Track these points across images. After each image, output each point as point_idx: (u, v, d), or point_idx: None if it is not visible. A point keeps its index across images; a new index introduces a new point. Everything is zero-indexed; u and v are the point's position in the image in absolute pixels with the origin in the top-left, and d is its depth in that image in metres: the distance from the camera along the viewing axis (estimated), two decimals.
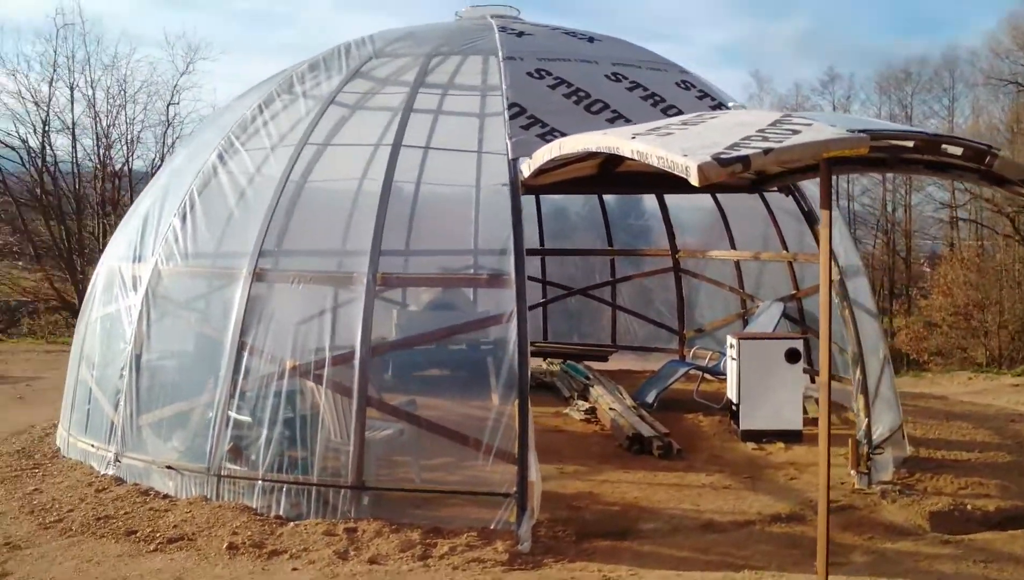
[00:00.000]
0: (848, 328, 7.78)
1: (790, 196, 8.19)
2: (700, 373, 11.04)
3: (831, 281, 7.75)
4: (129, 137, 26.01)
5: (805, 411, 10.06)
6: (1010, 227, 35.74)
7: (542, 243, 13.93)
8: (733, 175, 4.72)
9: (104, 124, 25.21)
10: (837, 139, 4.89)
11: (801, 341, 9.36)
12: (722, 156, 4.69)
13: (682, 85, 8.36)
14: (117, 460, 7.26)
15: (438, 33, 8.68)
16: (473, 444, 6.43)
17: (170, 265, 7.34)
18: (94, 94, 25.33)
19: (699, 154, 4.74)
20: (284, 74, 8.38)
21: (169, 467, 6.90)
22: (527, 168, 6.71)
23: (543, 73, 7.75)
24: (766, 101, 46.32)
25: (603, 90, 7.75)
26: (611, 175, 8.03)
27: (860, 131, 5.02)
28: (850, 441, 7.83)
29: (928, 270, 36.83)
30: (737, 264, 12.08)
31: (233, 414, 6.67)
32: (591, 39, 8.89)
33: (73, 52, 24.73)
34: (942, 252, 38.96)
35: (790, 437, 9.19)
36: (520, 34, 8.53)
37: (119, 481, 7.17)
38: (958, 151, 5.38)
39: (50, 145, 23.95)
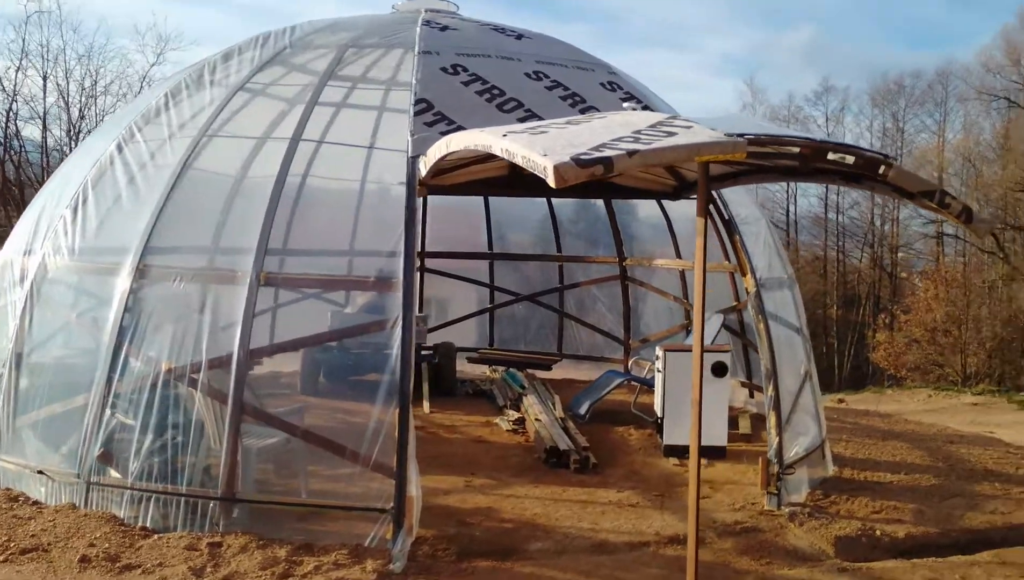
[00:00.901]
0: (761, 342, 7.49)
1: (710, 205, 7.85)
2: (637, 384, 10.77)
3: (749, 293, 7.53)
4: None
5: (736, 427, 9.80)
6: (994, 244, 35.57)
7: (490, 247, 13.62)
8: (593, 177, 4.43)
9: (75, 114, 24.89)
10: (710, 143, 4.60)
11: (728, 354, 9.05)
12: (582, 157, 4.40)
13: (608, 86, 8.06)
14: None
15: (361, 24, 8.38)
16: (350, 456, 6.12)
17: (56, 259, 7.03)
18: (68, 84, 25.03)
19: (560, 154, 4.44)
20: (197, 64, 8.07)
21: (40, 472, 6.58)
22: (424, 167, 6.41)
23: (458, 69, 7.45)
24: (759, 111, 46.24)
25: (520, 88, 7.45)
26: (522, 177, 7.71)
27: (738, 135, 4.72)
28: (760, 460, 7.55)
29: (919, 285, 36.73)
30: (682, 273, 11.78)
31: (105, 418, 6.33)
32: (519, 36, 8.60)
33: (48, 40, 24.39)
34: (925, 268, 38.79)
35: (713, 454, 8.89)
36: (444, 28, 8.23)
37: None
38: (848, 160, 5.09)
39: (17, 133, 23.60)
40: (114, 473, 6.31)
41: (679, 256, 11.70)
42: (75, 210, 7.11)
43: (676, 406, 9.12)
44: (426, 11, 8.99)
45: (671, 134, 4.80)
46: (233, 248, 6.42)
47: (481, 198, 13.07)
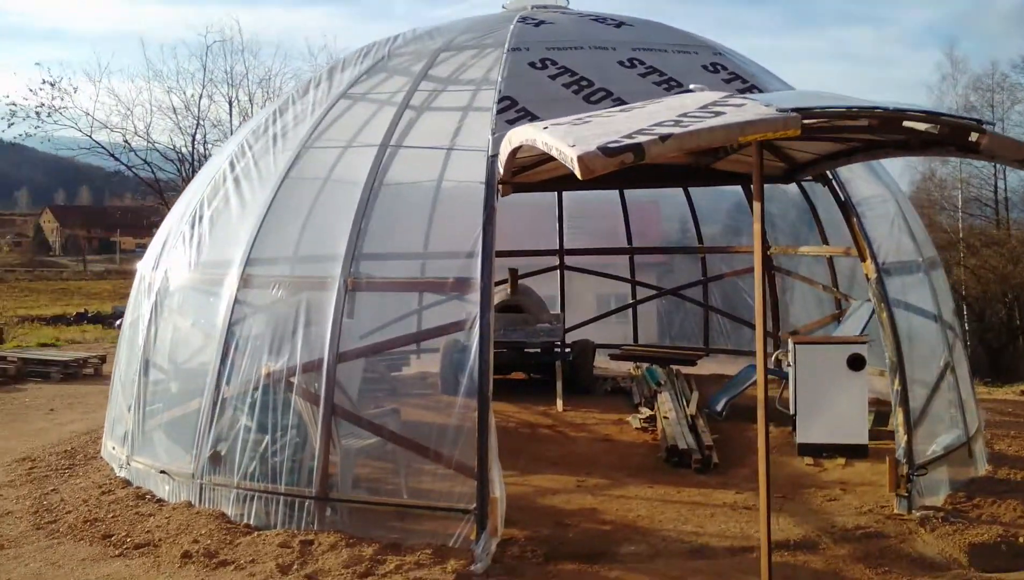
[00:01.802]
0: (885, 332, 6.88)
1: (826, 186, 7.31)
2: (780, 379, 10.21)
3: (870, 278, 6.95)
4: None
5: (887, 423, 9.08)
6: None
7: (629, 242, 13.34)
8: (624, 165, 4.21)
9: None
10: (754, 121, 4.26)
11: (866, 346, 8.39)
12: (610, 145, 4.19)
13: (710, 68, 7.68)
14: (128, 463, 7.49)
15: (459, 27, 8.43)
16: (433, 457, 6.14)
17: (176, 272, 7.51)
18: (251, 107, 26.75)
19: (588, 144, 4.25)
20: (305, 79, 8.40)
21: (163, 472, 7.03)
22: (500, 165, 6.34)
23: (547, 63, 7.34)
24: (961, 81, 42.78)
25: (610, 77, 7.23)
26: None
27: (793, 110, 4.35)
28: (887, 460, 6.95)
29: None
30: (830, 261, 11.06)
31: (215, 421, 6.68)
32: (620, 24, 8.36)
33: (231, 68, 26.17)
34: None
35: (853, 452, 8.29)
36: (539, 23, 8.14)
37: (127, 484, 7.39)
38: (930, 128, 4.56)
39: (206, 156, 25.43)
40: (221, 474, 6.63)
41: (825, 242, 10.99)
42: (192, 225, 7.57)
43: (809, 402, 8.58)
44: (532, 7, 8.94)
45: (719, 114, 4.49)
46: (324, 255, 6.60)
47: (617, 192, 12.83)
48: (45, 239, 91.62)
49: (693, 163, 7.33)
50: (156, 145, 24.46)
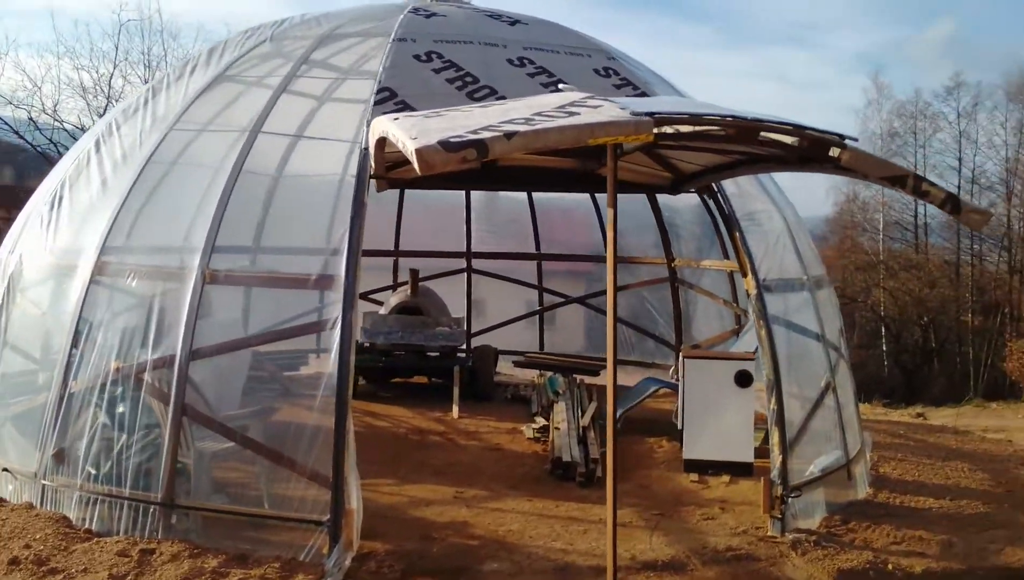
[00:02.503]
0: (763, 350, 6.79)
1: (711, 198, 7.21)
2: (676, 392, 10.12)
3: (750, 295, 6.84)
4: None
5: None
6: None
7: (538, 247, 13.18)
8: (466, 161, 3.98)
9: None
10: (605, 123, 4.08)
11: (753, 362, 8.30)
12: (452, 140, 3.96)
13: (602, 72, 7.52)
14: None
15: (350, 14, 8.15)
16: (287, 463, 5.83)
17: (30, 256, 7.07)
18: None
19: (429, 138, 4.01)
20: (183, 60, 8.02)
21: (5, 470, 6.59)
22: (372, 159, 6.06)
23: (432, 56, 7.09)
24: (885, 107, 43.79)
25: (497, 74, 7.02)
26: (496, 170, 7.29)
27: (646, 114, 4.17)
28: (762, 480, 6.85)
29: None
30: (731, 275, 11.01)
31: (60, 417, 6.28)
32: (515, 22, 8.16)
33: (149, 48, 25.38)
34: None
35: (738, 470, 8.13)
36: (430, 15, 7.90)
37: None
38: (789, 140, 4.43)
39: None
40: (64, 474, 6.22)
41: (726, 256, 10.94)
42: (51, 207, 7.14)
43: (696, 417, 8.47)
44: (432, 0, 8.69)
45: (573, 114, 4.29)
46: (182, 245, 6.24)
47: (525, 195, 12.66)
48: None
49: (579, 168, 7.15)
50: (64, 124, 23.52)
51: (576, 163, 6.98)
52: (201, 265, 6.07)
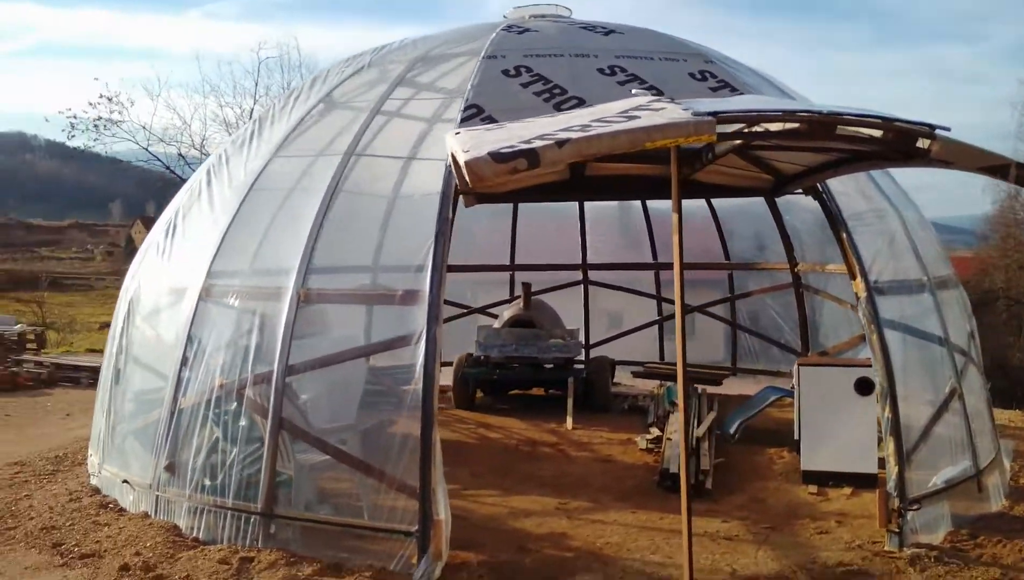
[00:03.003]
0: (875, 356, 6.40)
1: (816, 199, 6.87)
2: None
3: (859, 298, 6.49)
4: None
5: None
6: None
7: (654, 256, 12.94)
8: (517, 171, 3.94)
9: None
10: (662, 125, 3.95)
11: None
12: (502, 151, 3.94)
13: (698, 76, 7.31)
14: (100, 471, 7.48)
15: (444, 36, 8.26)
16: (377, 475, 5.91)
17: (147, 282, 7.49)
18: None
19: (479, 150, 4.00)
20: (290, 90, 8.34)
21: (125, 481, 6.99)
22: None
23: (521, 70, 7.09)
24: None
25: (586, 84, 6.95)
26: (583, 179, 7.18)
27: (708, 114, 4.02)
28: (878, 492, 6.46)
29: None
30: None
31: (171, 431, 6.61)
32: (609, 32, 8.06)
33: (288, 83, 26.58)
34: None
35: (860, 481, 7.78)
36: (523, 31, 7.91)
37: (95, 492, 7.38)
38: (873, 133, 4.16)
39: None
40: (175, 485, 6.54)
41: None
42: (166, 234, 7.56)
43: (814, 427, 8.12)
44: (530, 17, 8.72)
45: (633, 118, 4.18)
46: (280, 266, 6.47)
47: (639, 203, 12.47)
48: (135, 248, 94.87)
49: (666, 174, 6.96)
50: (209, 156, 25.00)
51: (666, 169, 6.79)
52: (296, 285, 6.27)
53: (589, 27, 8.18)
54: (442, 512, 5.77)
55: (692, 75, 7.31)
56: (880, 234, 7.04)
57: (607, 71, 7.20)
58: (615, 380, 12.68)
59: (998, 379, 31.94)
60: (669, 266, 12.90)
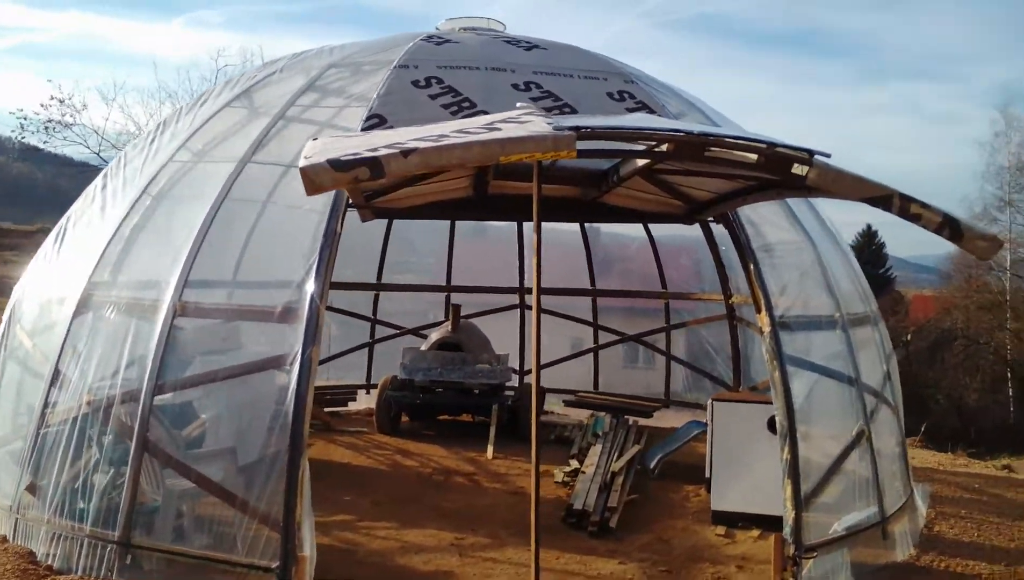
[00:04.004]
0: (775, 393, 6.13)
1: (727, 228, 6.62)
2: None
3: (764, 332, 6.23)
4: None
5: None
6: None
7: (592, 282, 12.68)
8: (358, 180, 3.62)
9: None
10: (516, 139, 3.66)
11: None
12: (343, 158, 3.61)
13: (616, 96, 7.06)
14: None
15: (364, 44, 7.98)
16: (239, 506, 5.53)
17: (31, 289, 7.10)
18: None
19: (319, 157, 3.68)
20: (208, 89, 8.01)
21: None
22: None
23: (432, 81, 6.81)
24: (1015, 139, 41.09)
25: (497, 99, 6.66)
26: (486, 198, 6.90)
27: (571, 128, 3.73)
28: (773, 539, 6.17)
29: None
30: None
31: (36, 449, 6.19)
32: (532, 47, 7.81)
33: None
34: None
35: (769, 524, 7.46)
36: (443, 42, 7.64)
37: None
38: (747, 157, 3.89)
39: None
40: (35, 508, 6.11)
41: None
42: (54, 240, 7.19)
43: (726, 465, 7.84)
44: (460, 29, 8.46)
45: (495, 130, 3.88)
46: (157, 278, 6.10)
47: (577, 227, 12.21)
48: None
49: (581, 196, 6.70)
50: None
51: (577, 191, 6.53)
52: (173, 298, 5.91)
53: (513, 41, 7.93)
54: (307, 548, 5.40)
55: (610, 94, 7.07)
56: (791, 267, 6.80)
57: (522, 86, 6.94)
58: (546, 409, 12.36)
59: (951, 419, 32.06)
60: (608, 293, 12.84)
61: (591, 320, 12.77)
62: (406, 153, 3.61)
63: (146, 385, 5.80)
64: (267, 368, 5.63)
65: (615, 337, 12.71)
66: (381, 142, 3.84)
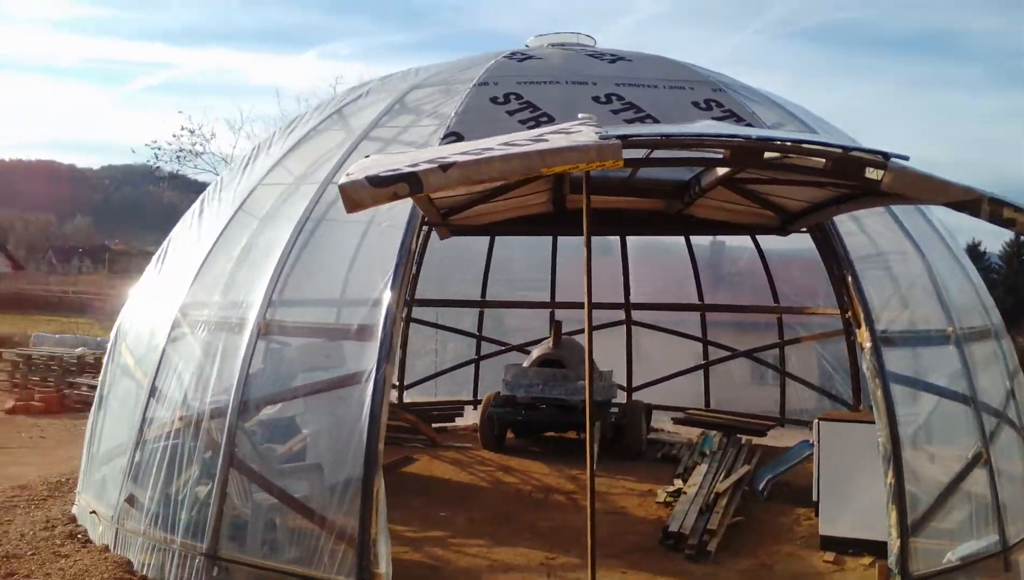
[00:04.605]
0: (878, 413, 5.74)
1: (822, 237, 6.26)
2: None
3: (864, 348, 5.86)
4: None
5: None
6: None
7: (700, 297, 12.31)
8: (397, 196, 3.58)
9: None
10: (558, 149, 3.54)
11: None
12: (382, 175, 3.59)
13: (702, 104, 6.81)
14: (79, 499, 7.38)
15: (447, 65, 8.00)
16: (318, 521, 5.57)
17: (133, 310, 7.41)
18: None
19: (358, 174, 3.67)
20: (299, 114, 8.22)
21: (93, 512, 6.84)
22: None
23: (511, 97, 6.75)
24: None
25: (574, 113, 6.48)
26: (564, 212, 6.74)
27: (619, 137, 3.58)
28: (876, 567, 5.76)
29: None
30: None
31: (133, 464, 6.45)
32: (616, 59, 7.64)
33: None
34: None
35: (883, 550, 7.01)
36: (525, 59, 7.58)
37: (71, 520, 7.26)
38: (815, 162, 3.64)
39: None
40: (133, 519, 6.35)
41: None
42: (155, 263, 7.50)
43: (835, 488, 7.41)
44: (548, 45, 8.38)
45: (540, 141, 3.78)
46: (246, 297, 6.26)
47: (683, 241, 11.89)
48: None
49: (666, 208, 6.48)
50: None
51: (662, 203, 6.33)
52: (259, 317, 6.04)
53: (597, 55, 7.79)
54: (382, 565, 5.39)
55: (696, 104, 6.82)
56: (896, 278, 6.37)
57: (603, 99, 6.79)
58: (656, 426, 12.07)
59: None
60: (716, 308, 12.44)
61: (699, 335, 12.37)
62: (445, 168, 3.55)
63: (232, 401, 5.93)
64: (344, 385, 5.64)
65: (726, 353, 12.27)
66: (425, 157, 3.79)
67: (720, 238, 12.62)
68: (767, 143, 3.67)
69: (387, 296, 5.62)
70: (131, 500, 6.41)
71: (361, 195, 3.55)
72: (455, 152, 3.77)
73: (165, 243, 7.66)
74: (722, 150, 3.71)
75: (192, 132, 25.05)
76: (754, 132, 3.82)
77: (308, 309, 6.37)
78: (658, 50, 8.98)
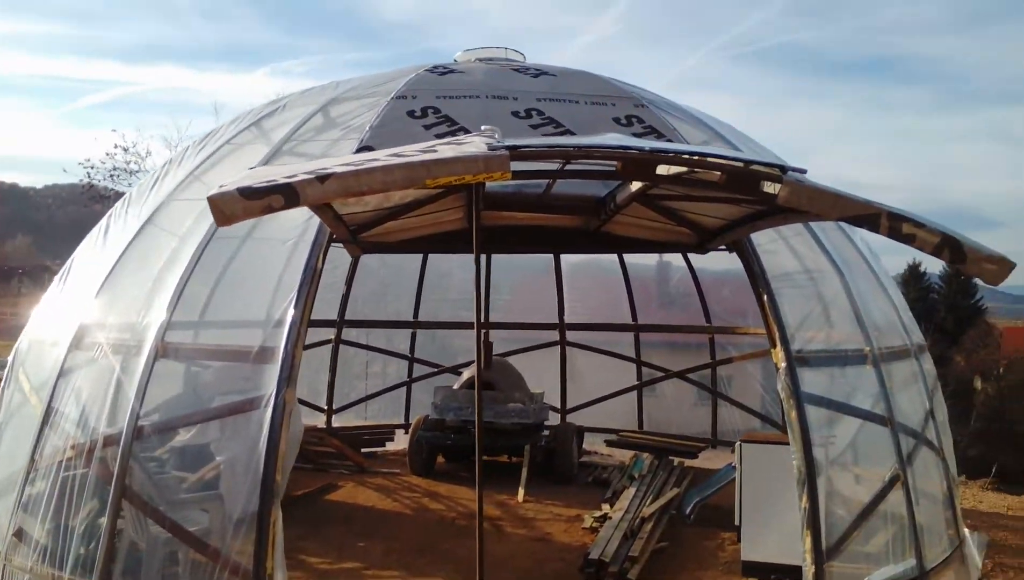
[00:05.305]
0: (792, 435, 5.63)
1: (739, 255, 6.16)
2: None
3: (778, 368, 5.75)
4: None
5: None
6: None
7: (634, 318, 12.21)
8: (272, 209, 3.36)
9: None
10: (446, 159, 3.34)
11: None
12: (255, 186, 3.36)
13: (623, 121, 6.71)
14: None
15: (368, 78, 7.81)
16: (211, 555, 5.27)
17: (32, 331, 7.05)
18: None
19: (229, 185, 3.44)
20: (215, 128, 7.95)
21: None
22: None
23: (428, 111, 6.58)
24: None
25: (494, 127, 6.38)
26: (491, 230, 6.57)
27: (507, 147, 3.41)
28: None
29: None
30: None
31: (22, 495, 6.08)
32: (540, 74, 7.52)
33: None
34: None
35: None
36: (447, 72, 7.43)
37: None
38: (712, 175, 3.50)
39: None
40: (21, 556, 5.97)
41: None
42: (58, 281, 7.18)
43: (756, 512, 7.30)
44: (475, 60, 8.24)
45: (429, 152, 3.59)
46: (145, 319, 5.94)
47: (616, 260, 11.79)
48: None
49: (583, 225, 6.34)
50: None
51: (579, 220, 6.19)
52: (156, 339, 5.74)
53: (523, 69, 7.67)
54: None
55: (617, 120, 6.71)
56: (812, 298, 6.30)
57: (522, 114, 6.65)
58: (588, 449, 11.92)
59: None
60: (649, 328, 12.36)
61: (633, 356, 12.27)
62: (323, 179, 3.34)
63: (126, 429, 5.61)
64: (244, 410, 5.37)
65: (660, 374, 12.18)
66: (306, 169, 3.58)
67: (666, 258, 12.59)
68: (659, 155, 3.53)
69: (290, 315, 5.38)
70: (19, 534, 6.04)
71: (233, 208, 3.32)
72: (337, 163, 3.57)
73: (69, 261, 7.31)
74: (615, 162, 3.57)
75: (126, 150, 24.46)
76: (647, 144, 3.68)
77: (208, 330, 6.08)
78: (610, 71, 8.85)
